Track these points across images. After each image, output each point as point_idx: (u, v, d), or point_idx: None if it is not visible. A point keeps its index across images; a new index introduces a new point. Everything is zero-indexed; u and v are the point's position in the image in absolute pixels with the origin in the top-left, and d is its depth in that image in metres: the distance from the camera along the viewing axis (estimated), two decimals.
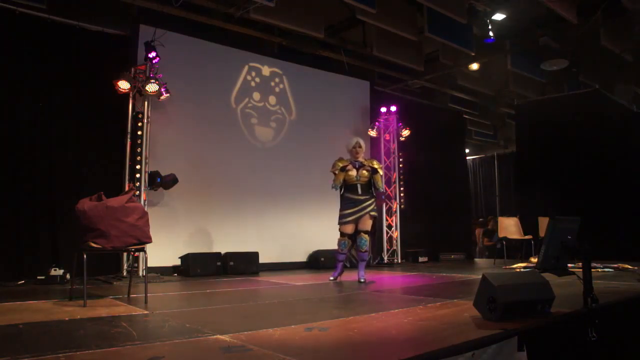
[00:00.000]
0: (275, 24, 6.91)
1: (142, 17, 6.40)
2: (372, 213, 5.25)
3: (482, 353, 2.20)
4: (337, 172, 5.29)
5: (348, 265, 5.65)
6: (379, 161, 6.72)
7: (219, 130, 7.05)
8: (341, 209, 5.33)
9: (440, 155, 9.89)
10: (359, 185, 5.26)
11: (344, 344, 2.31)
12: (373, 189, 5.36)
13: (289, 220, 7.52)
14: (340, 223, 5.32)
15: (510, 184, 12.85)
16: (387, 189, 8.77)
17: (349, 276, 5.68)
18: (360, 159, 5.36)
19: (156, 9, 6.31)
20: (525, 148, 10.03)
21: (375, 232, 5.69)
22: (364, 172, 5.27)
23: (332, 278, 5.37)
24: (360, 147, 5.36)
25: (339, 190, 5.40)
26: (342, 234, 5.32)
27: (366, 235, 5.21)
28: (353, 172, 5.27)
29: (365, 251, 5.23)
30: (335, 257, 5.47)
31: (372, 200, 5.29)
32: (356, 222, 5.23)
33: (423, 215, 9.39)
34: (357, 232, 5.27)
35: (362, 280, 5.12)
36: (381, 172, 5.42)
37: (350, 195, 5.28)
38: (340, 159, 5.41)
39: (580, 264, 2.94)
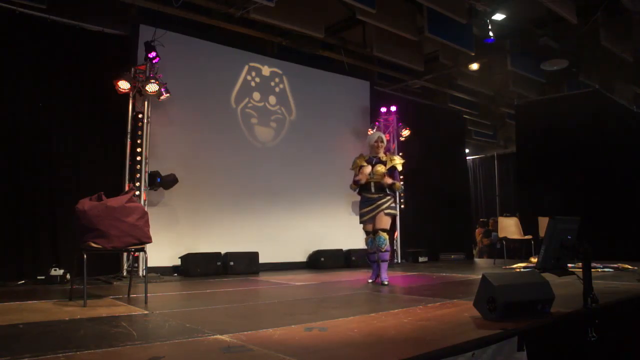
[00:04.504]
0: (275, 24, 6.90)
1: (142, 17, 6.40)
2: (388, 211, 5.04)
3: (482, 353, 2.20)
4: (356, 170, 5.17)
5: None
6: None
7: (219, 130, 7.05)
8: (359, 208, 5.19)
9: (440, 155, 9.89)
10: (372, 184, 5.07)
11: (344, 344, 2.31)
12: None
13: (289, 220, 7.51)
14: (360, 222, 5.20)
15: (510, 184, 12.86)
16: None
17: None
18: (381, 155, 5.18)
19: (156, 9, 6.31)
20: (525, 148, 10.04)
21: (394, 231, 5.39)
22: (379, 168, 5.07)
23: (370, 281, 5.15)
24: (382, 142, 5.21)
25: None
26: (366, 232, 5.17)
27: (384, 234, 5.00)
28: (367, 170, 5.08)
29: (385, 250, 5.02)
30: (367, 259, 5.32)
31: (388, 198, 5.06)
32: (373, 221, 5.06)
33: (423, 215, 9.39)
34: (374, 230, 5.07)
35: (385, 282, 4.94)
36: (399, 169, 5.17)
37: (365, 194, 5.14)
38: (361, 156, 5.28)
39: (580, 264, 2.94)
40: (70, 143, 5.80)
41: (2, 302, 3.66)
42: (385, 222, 5.04)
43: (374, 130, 8.66)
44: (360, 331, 2.56)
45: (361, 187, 5.15)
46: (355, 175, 5.17)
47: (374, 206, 5.05)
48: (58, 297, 3.98)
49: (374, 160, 5.16)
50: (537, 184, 9.21)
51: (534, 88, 10.03)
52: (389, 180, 5.01)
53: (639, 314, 3.52)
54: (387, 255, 5.04)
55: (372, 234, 5.09)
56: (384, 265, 5.04)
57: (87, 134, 5.91)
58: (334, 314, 3.16)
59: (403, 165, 5.27)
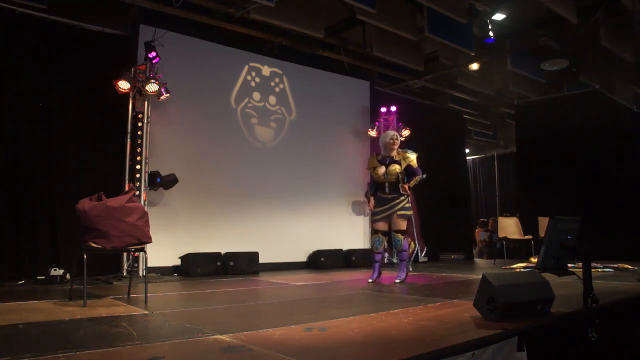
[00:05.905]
0: (275, 24, 6.90)
1: (142, 17, 6.39)
2: (400, 212, 5.05)
3: (482, 353, 2.20)
4: (371, 171, 5.29)
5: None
6: None
7: (219, 130, 7.04)
8: (374, 207, 5.24)
9: (440, 155, 9.87)
10: (386, 184, 5.14)
11: (344, 344, 2.31)
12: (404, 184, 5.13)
13: (289, 220, 7.51)
14: (372, 220, 5.28)
15: (510, 184, 12.85)
16: None
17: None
18: (394, 154, 5.23)
19: (156, 9, 6.31)
20: (525, 148, 10.04)
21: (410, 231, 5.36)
22: (393, 168, 5.13)
23: (370, 280, 5.16)
24: (396, 139, 5.26)
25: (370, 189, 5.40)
26: (375, 231, 5.19)
27: (399, 235, 5.05)
28: (381, 170, 5.17)
29: (403, 250, 5.09)
30: (371, 258, 5.35)
31: (402, 198, 5.09)
32: (388, 221, 5.12)
33: (423, 215, 9.35)
34: (391, 231, 5.13)
35: (396, 280, 5.03)
36: (413, 164, 5.16)
37: (379, 194, 5.21)
38: (373, 155, 5.39)
39: (580, 264, 2.94)
40: (70, 143, 5.79)
41: (2, 302, 3.66)
42: (400, 224, 5.09)
43: (374, 130, 8.67)
44: (361, 331, 2.56)
45: (376, 187, 5.26)
46: (370, 177, 5.36)
47: (387, 206, 5.11)
48: (58, 297, 3.97)
49: (387, 160, 5.22)
50: (537, 184, 9.21)
51: (534, 88, 10.02)
52: (409, 189, 5.15)
53: (639, 314, 3.52)
54: (404, 255, 5.15)
55: (383, 233, 5.13)
56: (403, 264, 5.16)
57: (87, 133, 5.90)
58: (334, 314, 3.16)
59: (418, 158, 5.26)
